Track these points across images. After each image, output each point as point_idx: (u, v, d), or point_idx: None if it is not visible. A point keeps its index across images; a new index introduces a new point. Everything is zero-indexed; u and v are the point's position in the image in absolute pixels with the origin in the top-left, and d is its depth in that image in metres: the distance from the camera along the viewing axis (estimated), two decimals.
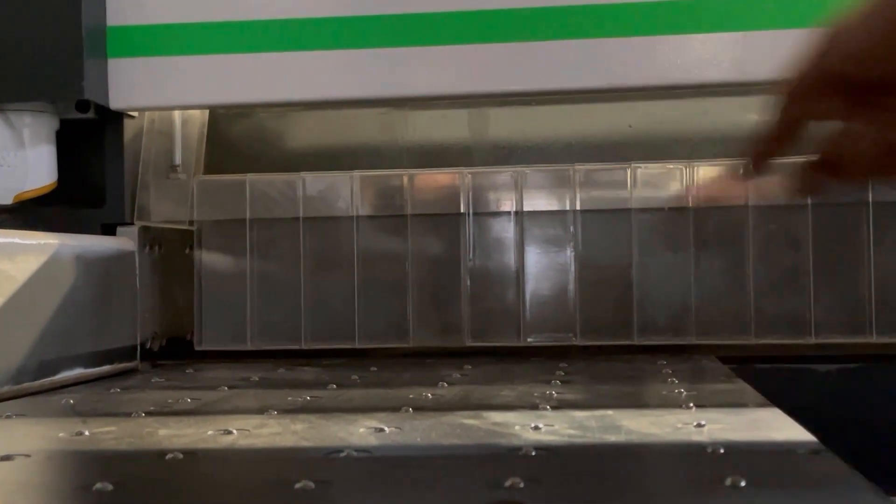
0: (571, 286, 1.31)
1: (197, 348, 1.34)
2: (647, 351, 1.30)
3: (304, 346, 1.33)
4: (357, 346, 1.33)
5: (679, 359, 1.24)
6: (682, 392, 0.93)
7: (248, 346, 1.34)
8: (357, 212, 1.33)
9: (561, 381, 1.03)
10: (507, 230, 1.33)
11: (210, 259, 1.35)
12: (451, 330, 1.33)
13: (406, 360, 1.29)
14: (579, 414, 0.82)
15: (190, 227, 1.37)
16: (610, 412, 0.83)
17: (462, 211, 1.32)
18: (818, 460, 0.64)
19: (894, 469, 1.18)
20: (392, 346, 1.34)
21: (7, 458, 0.67)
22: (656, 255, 1.30)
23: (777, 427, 0.76)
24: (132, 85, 1.26)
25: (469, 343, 1.32)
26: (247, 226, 1.34)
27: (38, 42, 1.20)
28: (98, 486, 0.58)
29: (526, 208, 1.32)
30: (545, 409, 0.85)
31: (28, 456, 0.69)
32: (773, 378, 1.22)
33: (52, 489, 0.63)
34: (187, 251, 1.40)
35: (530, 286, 1.32)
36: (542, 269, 1.33)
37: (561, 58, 1.21)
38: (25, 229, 1.13)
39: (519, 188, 1.32)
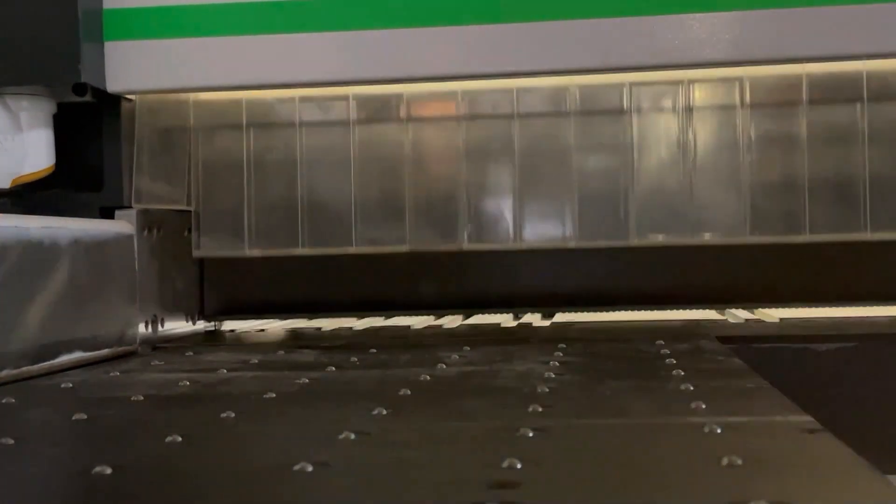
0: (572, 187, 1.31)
1: (195, 254, 1.35)
2: (645, 331, 1.30)
3: (301, 251, 1.33)
4: (354, 249, 1.33)
5: (678, 339, 1.24)
6: (680, 373, 0.93)
7: (246, 252, 1.34)
8: (353, 117, 1.33)
9: (559, 363, 1.03)
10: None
11: (208, 164, 1.35)
12: (449, 235, 1.33)
13: (405, 343, 1.29)
14: (577, 395, 0.83)
15: (188, 208, 1.38)
16: (608, 393, 0.83)
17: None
18: (815, 440, 0.64)
19: (891, 448, 1.19)
20: (389, 250, 1.34)
21: (6, 442, 0.67)
22: (654, 158, 1.30)
23: (774, 407, 0.76)
24: (129, 68, 1.25)
25: (466, 246, 1.32)
26: (243, 130, 1.34)
27: (35, 26, 1.20)
28: (97, 469, 0.58)
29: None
30: (543, 390, 0.85)
31: (27, 440, 0.69)
32: (770, 358, 1.22)
33: (52, 473, 0.63)
34: (186, 234, 1.40)
35: (527, 192, 1.32)
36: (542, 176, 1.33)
37: (559, 38, 1.20)
38: (24, 213, 1.13)
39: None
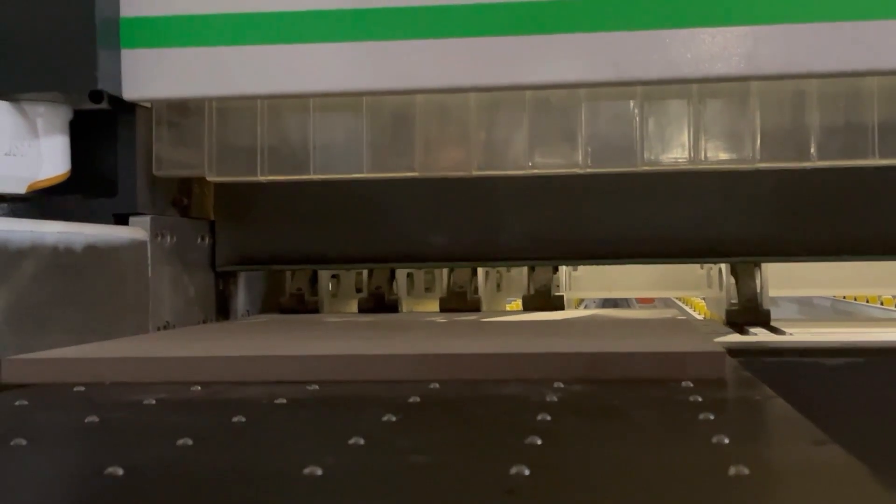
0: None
1: (209, 178, 1.37)
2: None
3: (313, 176, 1.35)
4: (364, 174, 1.33)
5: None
6: (688, 384, 0.93)
7: (259, 177, 1.35)
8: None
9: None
10: None
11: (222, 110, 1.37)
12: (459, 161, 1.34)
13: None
14: (585, 405, 0.83)
15: (202, 218, 1.38)
16: (615, 403, 0.83)
17: None
18: (823, 452, 0.64)
19: None
20: (399, 176, 1.35)
21: (19, 443, 0.68)
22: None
23: (782, 419, 0.76)
24: (145, 76, 1.26)
25: (476, 172, 1.33)
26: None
27: (53, 33, 1.21)
28: (109, 470, 0.59)
29: None
30: (552, 399, 0.85)
31: (40, 442, 0.70)
32: (779, 371, 1.22)
33: (64, 474, 0.63)
34: (199, 241, 1.41)
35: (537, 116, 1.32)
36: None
37: (570, 51, 1.21)
38: (39, 219, 1.14)
39: None
